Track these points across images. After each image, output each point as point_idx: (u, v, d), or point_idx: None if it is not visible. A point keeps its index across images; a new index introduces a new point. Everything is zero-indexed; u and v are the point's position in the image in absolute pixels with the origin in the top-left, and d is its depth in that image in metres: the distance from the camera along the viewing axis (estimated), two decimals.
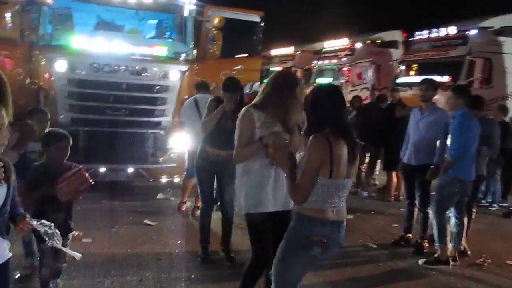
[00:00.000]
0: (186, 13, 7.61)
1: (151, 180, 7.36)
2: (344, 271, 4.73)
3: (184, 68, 7.31)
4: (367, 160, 8.50)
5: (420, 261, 4.98)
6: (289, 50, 20.24)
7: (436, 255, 4.95)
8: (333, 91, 2.76)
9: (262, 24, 8.22)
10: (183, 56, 7.49)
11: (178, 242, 5.23)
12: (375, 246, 5.59)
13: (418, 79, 12.08)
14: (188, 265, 4.55)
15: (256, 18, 8.23)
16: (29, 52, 6.78)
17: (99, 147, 6.92)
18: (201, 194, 4.98)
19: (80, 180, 3.21)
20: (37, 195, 3.20)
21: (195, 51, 7.82)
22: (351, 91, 14.30)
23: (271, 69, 21.60)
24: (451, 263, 4.97)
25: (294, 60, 19.40)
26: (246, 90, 8.32)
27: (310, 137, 2.60)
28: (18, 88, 6.89)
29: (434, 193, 5.15)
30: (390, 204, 7.70)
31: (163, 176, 7.38)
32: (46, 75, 6.71)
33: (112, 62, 6.84)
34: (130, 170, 7.04)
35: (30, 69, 6.82)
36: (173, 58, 7.36)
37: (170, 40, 7.99)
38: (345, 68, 15.19)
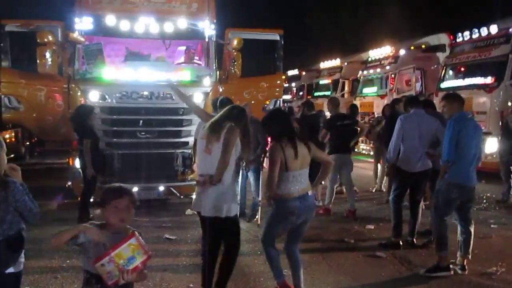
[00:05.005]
0: (207, 37, 8.07)
1: (182, 196, 7.80)
2: (343, 281, 4.79)
3: (207, 89, 7.73)
4: None
5: (422, 271, 4.90)
6: (336, 62, 20.16)
7: (436, 262, 4.86)
8: (277, 114, 4.48)
9: (282, 42, 8.47)
10: (206, 78, 7.89)
11: (190, 255, 5.54)
12: (385, 256, 5.56)
13: (462, 82, 11.70)
14: (191, 276, 4.84)
15: (276, 37, 8.50)
16: (67, 85, 7.58)
17: (132, 168, 7.51)
18: None
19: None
20: None
21: (218, 73, 8.21)
22: None
23: (321, 82, 21.68)
24: (459, 272, 4.86)
25: (342, 72, 19.30)
26: (270, 106, 8.60)
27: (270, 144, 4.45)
28: (60, 118, 7.70)
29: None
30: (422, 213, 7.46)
31: (193, 193, 7.78)
32: None
33: (139, 89, 7.43)
34: (161, 188, 7.56)
35: (69, 101, 7.60)
36: (196, 81, 7.79)
37: (195, 65, 8.45)
38: (390, 76, 14.92)
